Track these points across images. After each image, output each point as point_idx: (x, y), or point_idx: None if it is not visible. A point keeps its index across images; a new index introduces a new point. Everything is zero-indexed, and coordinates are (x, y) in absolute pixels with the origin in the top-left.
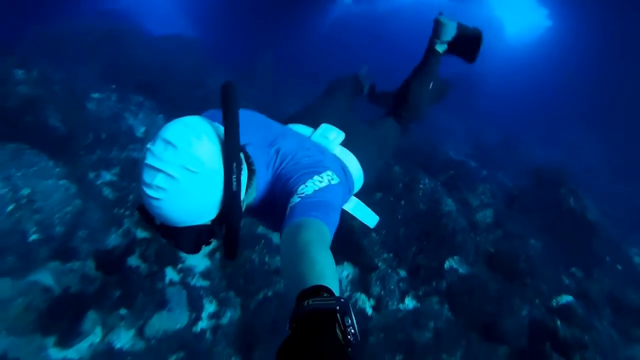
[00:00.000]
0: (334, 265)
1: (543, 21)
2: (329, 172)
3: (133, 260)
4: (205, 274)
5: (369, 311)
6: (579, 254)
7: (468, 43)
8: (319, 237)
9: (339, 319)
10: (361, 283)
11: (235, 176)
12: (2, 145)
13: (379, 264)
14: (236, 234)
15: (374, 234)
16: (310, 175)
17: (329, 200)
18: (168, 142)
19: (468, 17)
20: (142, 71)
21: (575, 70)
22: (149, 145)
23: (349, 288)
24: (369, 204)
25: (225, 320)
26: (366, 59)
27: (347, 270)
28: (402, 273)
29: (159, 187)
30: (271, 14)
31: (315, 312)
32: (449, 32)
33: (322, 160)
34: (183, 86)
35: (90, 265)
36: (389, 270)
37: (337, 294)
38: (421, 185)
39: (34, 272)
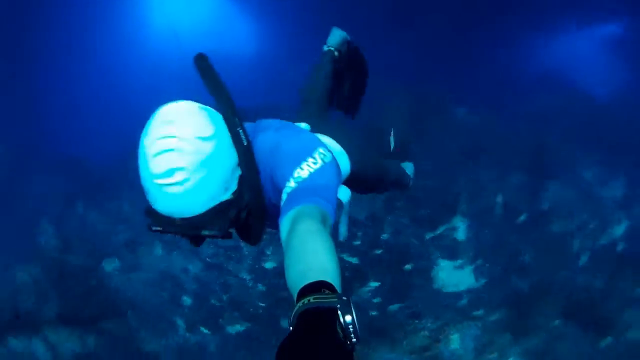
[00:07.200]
0: (336, 255)
1: None
2: (321, 150)
3: None
4: None
5: None
6: None
7: (358, 67)
8: (319, 225)
9: (340, 317)
10: None
11: (241, 130)
12: None
13: None
14: (260, 200)
15: None
16: (305, 156)
17: (326, 183)
18: (167, 122)
19: None
20: None
21: None
22: (145, 140)
23: None
24: None
25: None
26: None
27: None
28: None
29: (177, 169)
30: None
31: (316, 310)
32: (335, 38)
33: (311, 138)
34: None
35: None
36: None
37: (338, 287)
38: None
39: None
